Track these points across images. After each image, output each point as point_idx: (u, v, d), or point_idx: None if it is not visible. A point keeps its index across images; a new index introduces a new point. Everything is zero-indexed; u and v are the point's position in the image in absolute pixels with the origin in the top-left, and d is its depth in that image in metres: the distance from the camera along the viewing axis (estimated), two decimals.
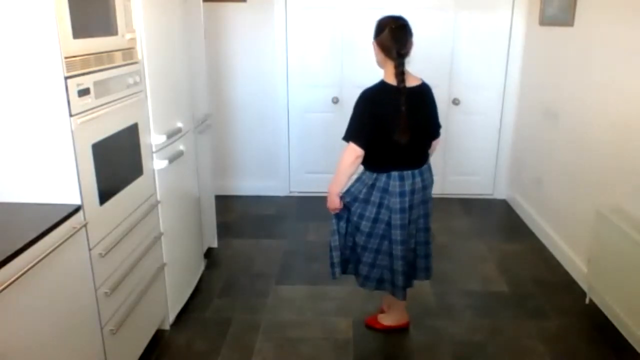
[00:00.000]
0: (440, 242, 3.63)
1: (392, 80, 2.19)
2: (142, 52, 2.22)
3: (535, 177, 3.84)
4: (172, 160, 2.50)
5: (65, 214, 1.72)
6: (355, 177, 2.37)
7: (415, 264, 2.47)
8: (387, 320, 2.64)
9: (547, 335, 2.59)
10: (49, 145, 1.75)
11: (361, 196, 2.30)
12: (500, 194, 4.52)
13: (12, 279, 1.42)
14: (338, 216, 2.38)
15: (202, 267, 3.15)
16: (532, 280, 3.12)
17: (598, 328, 2.63)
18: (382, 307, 2.72)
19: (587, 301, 2.83)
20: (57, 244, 1.63)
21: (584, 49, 3.11)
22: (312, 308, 2.84)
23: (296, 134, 4.44)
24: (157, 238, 2.44)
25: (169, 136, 2.48)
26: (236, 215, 4.12)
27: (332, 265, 2.45)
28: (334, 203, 2.32)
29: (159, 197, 2.44)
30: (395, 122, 2.16)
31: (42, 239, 1.59)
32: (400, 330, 2.62)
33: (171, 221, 2.59)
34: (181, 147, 2.69)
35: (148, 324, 2.41)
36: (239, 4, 4.10)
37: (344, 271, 2.48)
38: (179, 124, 2.66)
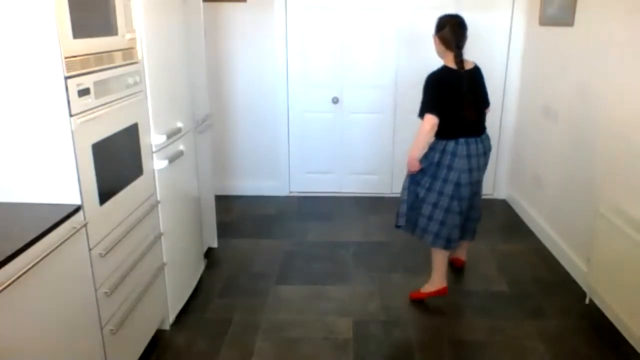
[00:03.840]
0: None
1: (452, 65, 2.66)
2: (142, 52, 2.22)
3: (535, 176, 3.84)
4: (172, 160, 2.50)
5: (65, 214, 1.72)
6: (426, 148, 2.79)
7: (465, 226, 2.92)
8: (427, 288, 2.89)
9: (547, 335, 2.59)
10: (49, 145, 1.75)
11: (435, 160, 2.70)
12: (500, 194, 4.52)
13: (12, 279, 1.42)
14: (412, 177, 2.79)
15: (202, 267, 3.15)
16: (532, 280, 3.12)
17: (598, 328, 2.63)
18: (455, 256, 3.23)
19: (587, 301, 2.83)
20: (57, 244, 1.63)
21: (584, 49, 3.11)
22: (312, 308, 2.85)
23: (296, 134, 4.44)
24: (157, 238, 2.44)
25: (169, 136, 2.48)
26: (236, 215, 4.12)
27: (398, 214, 2.86)
28: (414, 166, 2.73)
29: (159, 197, 2.44)
30: (459, 98, 2.62)
31: (42, 239, 1.59)
32: (441, 297, 2.86)
33: (171, 221, 2.59)
34: (181, 147, 2.69)
35: (148, 324, 2.41)
36: (239, 4, 4.10)
37: (411, 231, 2.86)
38: (179, 124, 2.66)
